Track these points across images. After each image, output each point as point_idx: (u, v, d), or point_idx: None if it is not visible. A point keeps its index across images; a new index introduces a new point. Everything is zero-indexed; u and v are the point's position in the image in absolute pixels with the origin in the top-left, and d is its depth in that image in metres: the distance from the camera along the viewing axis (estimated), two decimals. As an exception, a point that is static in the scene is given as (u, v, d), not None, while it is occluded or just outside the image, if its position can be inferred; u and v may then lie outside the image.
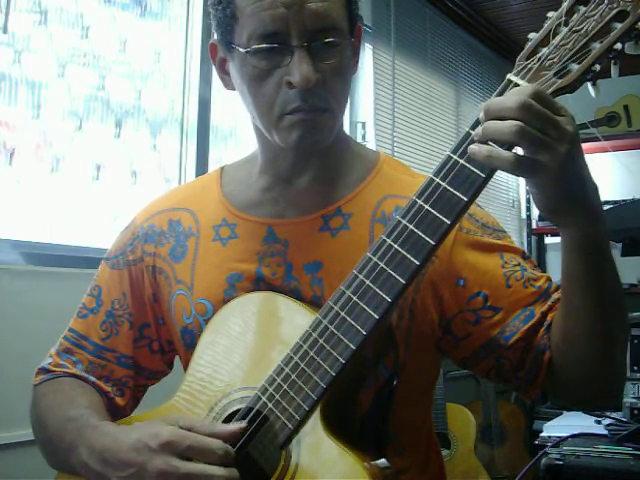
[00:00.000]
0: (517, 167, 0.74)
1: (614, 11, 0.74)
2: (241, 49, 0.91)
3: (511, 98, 0.73)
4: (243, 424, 0.86)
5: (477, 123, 0.77)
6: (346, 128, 3.30)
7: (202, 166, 2.57)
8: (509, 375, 0.95)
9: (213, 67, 1.02)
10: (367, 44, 3.40)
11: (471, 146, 0.76)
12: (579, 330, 0.86)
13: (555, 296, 0.93)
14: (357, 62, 1.00)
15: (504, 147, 0.74)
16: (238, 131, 2.79)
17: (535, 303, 0.93)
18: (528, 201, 4.90)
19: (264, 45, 0.89)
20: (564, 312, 0.88)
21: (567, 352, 0.89)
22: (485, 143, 0.75)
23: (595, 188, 0.80)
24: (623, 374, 0.96)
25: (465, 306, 0.94)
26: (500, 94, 0.78)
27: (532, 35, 0.78)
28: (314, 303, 0.93)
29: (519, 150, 0.75)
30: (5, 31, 1.97)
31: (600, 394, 0.94)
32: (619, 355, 0.90)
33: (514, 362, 0.93)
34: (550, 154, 0.73)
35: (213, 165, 2.59)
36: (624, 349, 0.91)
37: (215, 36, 0.98)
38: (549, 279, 0.96)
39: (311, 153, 0.98)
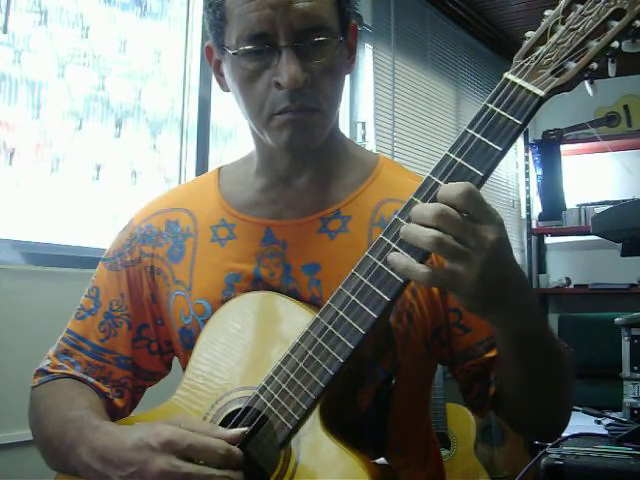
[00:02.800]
0: (432, 281, 0.74)
1: (611, 9, 0.74)
2: (230, 51, 0.92)
3: (429, 207, 0.73)
4: (245, 429, 0.85)
5: (475, 122, 0.77)
6: (346, 128, 3.30)
7: (202, 166, 2.57)
8: (463, 392, 1.02)
9: (212, 67, 1.03)
10: (367, 44, 3.40)
11: (391, 255, 0.76)
12: (509, 389, 0.93)
13: None
14: (353, 61, 1.00)
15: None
16: (238, 131, 2.79)
17: None
18: (528, 201, 4.90)
19: (252, 46, 0.89)
20: (498, 372, 0.94)
21: (502, 396, 0.96)
22: None
23: (521, 285, 0.79)
24: (563, 419, 0.99)
25: (446, 315, 0.98)
26: (497, 94, 0.78)
27: (529, 34, 0.78)
28: (312, 304, 0.93)
29: None
30: (5, 31, 1.97)
31: (536, 436, 1.06)
32: (557, 409, 0.96)
33: (465, 385, 0.99)
34: (466, 264, 0.72)
35: (213, 165, 2.59)
36: (559, 406, 0.96)
37: (210, 38, 0.99)
38: None
39: (303, 153, 0.98)
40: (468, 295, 0.75)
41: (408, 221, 0.79)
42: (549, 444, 1.61)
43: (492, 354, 0.95)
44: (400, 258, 0.76)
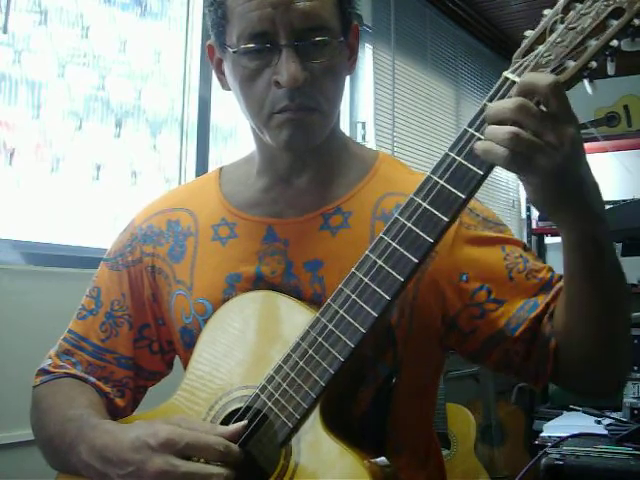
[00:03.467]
0: (510, 163, 0.73)
1: (610, 8, 0.74)
2: (231, 49, 0.92)
3: (508, 100, 0.73)
4: (244, 423, 0.86)
5: (474, 120, 0.77)
6: (346, 128, 3.30)
7: (202, 166, 2.57)
8: (518, 366, 0.94)
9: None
10: (367, 44, 3.40)
11: (477, 143, 0.76)
12: (579, 320, 0.87)
13: (557, 286, 0.93)
14: (355, 61, 1.00)
15: None
16: (238, 131, 2.79)
17: (538, 294, 0.93)
18: (528, 201, 4.90)
19: (252, 45, 0.90)
20: (565, 304, 0.88)
21: (568, 338, 0.89)
22: None
23: (594, 188, 0.79)
24: (625, 364, 0.96)
25: (469, 300, 0.94)
26: (496, 93, 0.78)
27: (529, 33, 0.78)
28: (314, 301, 0.93)
29: None
30: (5, 31, 1.97)
31: (601, 380, 0.94)
32: (620, 345, 0.90)
33: (522, 353, 0.93)
34: (546, 158, 0.72)
35: (213, 165, 2.59)
36: (626, 340, 0.92)
37: (211, 37, 0.99)
38: (550, 269, 0.96)
39: (303, 152, 0.98)
40: (543, 187, 0.75)
41: (409, 219, 0.79)
42: (549, 444, 1.61)
43: (537, 311, 0.92)
44: (483, 142, 0.75)
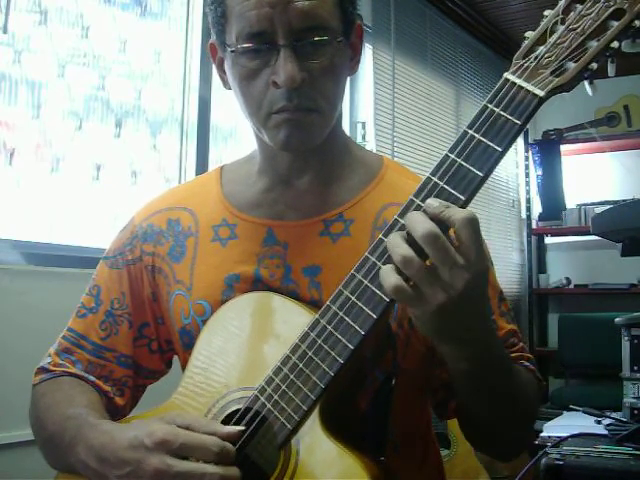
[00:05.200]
0: (395, 294, 0.74)
1: (610, 9, 0.74)
2: (230, 49, 0.92)
3: (424, 224, 0.73)
4: (242, 427, 0.85)
5: (475, 122, 0.77)
6: (346, 128, 3.30)
7: (202, 166, 2.57)
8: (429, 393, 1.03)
9: (213, 67, 1.03)
10: (367, 44, 3.40)
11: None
12: (469, 409, 0.93)
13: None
14: (358, 62, 1.00)
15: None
16: (238, 131, 2.79)
17: None
18: (528, 201, 4.90)
19: (251, 45, 0.89)
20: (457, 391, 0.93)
21: (462, 412, 0.97)
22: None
23: (483, 325, 0.80)
24: (516, 445, 1.01)
25: None
26: (496, 94, 0.78)
27: (529, 34, 0.78)
28: (312, 306, 0.93)
29: None
30: (5, 31, 1.97)
31: (492, 452, 1.04)
32: (508, 435, 0.96)
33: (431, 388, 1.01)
34: (431, 294, 0.73)
35: (213, 165, 2.59)
36: (517, 428, 0.96)
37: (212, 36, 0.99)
38: (511, 331, 1.01)
39: (301, 153, 0.98)
40: (425, 319, 0.76)
41: (403, 228, 0.80)
42: (549, 444, 1.61)
43: None
44: (385, 267, 0.75)
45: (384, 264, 0.80)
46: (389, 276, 0.74)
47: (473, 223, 0.73)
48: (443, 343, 0.80)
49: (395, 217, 0.80)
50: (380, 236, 0.81)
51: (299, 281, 0.96)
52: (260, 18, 0.88)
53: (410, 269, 0.73)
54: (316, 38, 0.89)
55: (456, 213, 0.73)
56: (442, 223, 0.74)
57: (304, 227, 0.99)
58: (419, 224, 0.73)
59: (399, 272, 0.74)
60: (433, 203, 0.75)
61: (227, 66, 0.96)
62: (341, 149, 1.03)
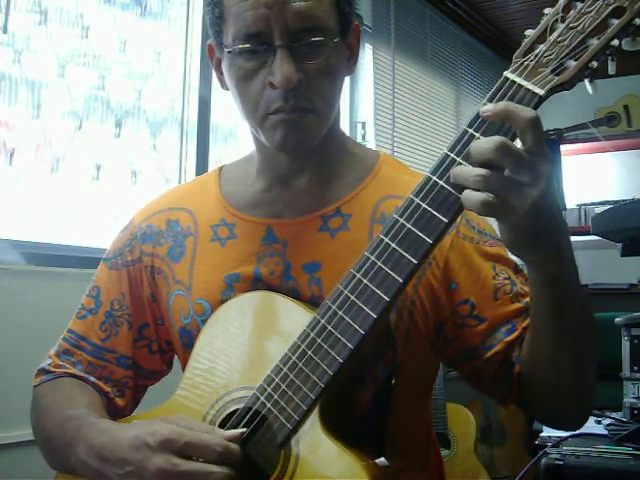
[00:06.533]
0: (485, 210, 0.73)
1: (611, 7, 0.73)
2: (227, 49, 0.92)
3: (488, 140, 0.72)
4: (243, 430, 0.85)
5: (474, 121, 0.77)
6: (346, 128, 3.30)
7: (202, 166, 2.57)
8: (486, 385, 0.97)
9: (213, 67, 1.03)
10: (367, 44, 3.40)
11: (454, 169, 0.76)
12: (542, 352, 0.89)
13: None
14: (355, 62, 1.00)
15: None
16: (238, 131, 2.79)
17: (518, 318, 0.94)
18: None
19: (247, 45, 0.89)
20: (530, 334, 0.90)
21: (532, 368, 0.92)
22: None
23: (563, 228, 0.80)
24: (587, 401, 0.96)
25: (454, 309, 0.96)
26: (496, 93, 0.78)
27: (529, 32, 0.78)
28: (312, 303, 0.93)
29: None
30: (5, 31, 1.97)
31: (562, 414, 0.97)
32: (583, 383, 0.91)
33: (491, 373, 0.95)
34: (521, 197, 0.72)
35: (213, 165, 2.59)
36: (589, 377, 0.92)
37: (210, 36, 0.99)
38: None
39: (299, 153, 0.98)
40: (517, 228, 0.75)
41: (408, 219, 0.79)
42: (549, 444, 1.61)
43: (513, 336, 0.93)
44: (466, 191, 0.74)
45: (384, 264, 0.80)
46: (472, 195, 0.73)
47: (538, 123, 0.73)
48: (534, 250, 0.78)
49: (395, 216, 0.80)
50: (380, 235, 0.81)
51: (299, 278, 0.96)
52: (257, 19, 0.88)
53: (493, 183, 0.72)
54: (313, 39, 0.89)
55: (519, 113, 0.73)
56: (509, 119, 0.73)
57: (302, 224, 0.99)
58: (485, 142, 0.73)
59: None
60: (496, 104, 0.74)
61: (224, 67, 0.96)
62: (338, 148, 1.03)
